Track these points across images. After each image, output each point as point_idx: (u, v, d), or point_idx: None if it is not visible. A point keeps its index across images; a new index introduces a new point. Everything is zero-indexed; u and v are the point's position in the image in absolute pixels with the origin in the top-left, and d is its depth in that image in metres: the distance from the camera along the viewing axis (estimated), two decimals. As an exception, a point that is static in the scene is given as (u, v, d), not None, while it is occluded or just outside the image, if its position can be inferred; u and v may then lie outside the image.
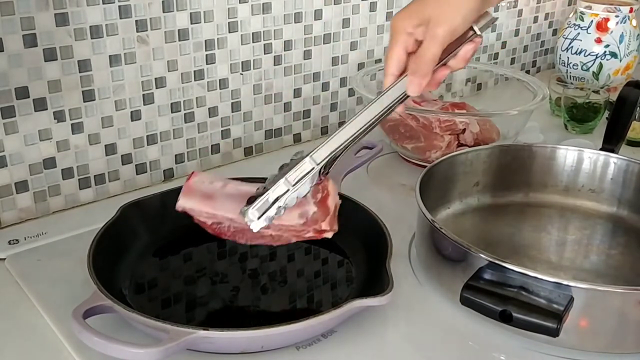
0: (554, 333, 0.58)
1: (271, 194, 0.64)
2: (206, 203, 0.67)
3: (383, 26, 1.15)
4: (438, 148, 0.97)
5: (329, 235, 0.67)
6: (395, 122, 1.01)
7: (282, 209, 0.64)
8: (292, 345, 0.63)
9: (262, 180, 0.84)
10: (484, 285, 0.62)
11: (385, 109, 0.66)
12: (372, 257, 0.72)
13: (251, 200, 0.65)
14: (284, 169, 0.66)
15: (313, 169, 0.65)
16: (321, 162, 0.65)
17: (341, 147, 0.65)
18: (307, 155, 0.65)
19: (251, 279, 0.73)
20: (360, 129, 0.65)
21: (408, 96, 0.66)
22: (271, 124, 1.07)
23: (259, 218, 0.64)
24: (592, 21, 1.27)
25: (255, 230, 0.65)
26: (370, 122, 0.66)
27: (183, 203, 0.68)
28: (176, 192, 0.81)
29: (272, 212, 0.64)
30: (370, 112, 0.66)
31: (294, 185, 0.64)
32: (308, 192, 0.65)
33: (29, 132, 0.83)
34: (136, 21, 0.87)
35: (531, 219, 0.86)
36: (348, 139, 0.65)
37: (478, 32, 0.65)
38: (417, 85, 0.64)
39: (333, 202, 0.68)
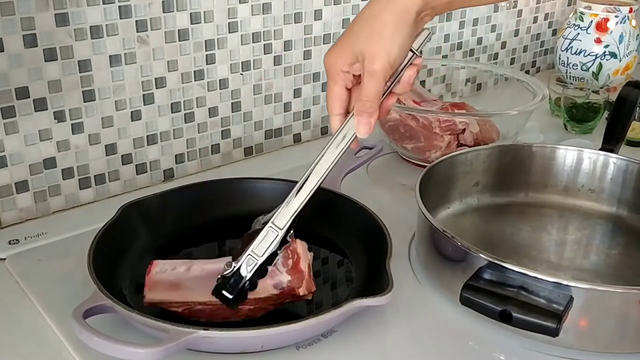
0: (554, 333, 0.58)
1: (242, 270, 0.62)
2: (174, 292, 0.65)
3: (383, 26, 1.15)
4: (438, 148, 0.97)
5: (310, 296, 0.66)
6: (395, 122, 1.01)
7: (255, 283, 0.63)
8: (292, 345, 0.63)
9: (257, 179, 0.84)
10: (483, 285, 0.62)
11: (339, 155, 0.63)
12: (372, 257, 0.72)
13: (220, 279, 0.63)
14: (246, 240, 0.63)
15: (277, 235, 0.63)
16: (284, 226, 0.63)
17: (301, 205, 0.63)
18: (268, 222, 0.63)
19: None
20: (317, 182, 0.63)
21: (355, 138, 0.63)
22: (271, 124, 1.07)
23: (233, 297, 0.62)
24: (591, 21, 1.27)
25: (233, 308, 0.63)
26: (326, 172, 0.63)
27: (151, 297, 0.65)
28: (176, 192, 0.82)
29: (245, 287, 0.62)
30: (326, 161, 0.63)
31: (261, 256, 0.62)
32: (278, 258, 0.64)
33: (29, 132, 0.83)
34: (136, 21, 0.87)
35: (531, 219, 0.86)
36: (307, 196, 0.63)
37: (417, 53, 0.62)
38: (365, 125, 0.61)
39: (305, 263, 0.67)
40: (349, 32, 0.62)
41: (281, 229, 0.63)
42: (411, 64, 0.63)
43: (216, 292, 0.62)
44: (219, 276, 0.63)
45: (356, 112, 0.62)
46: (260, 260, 0.62)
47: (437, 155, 0.96)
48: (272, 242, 0.63)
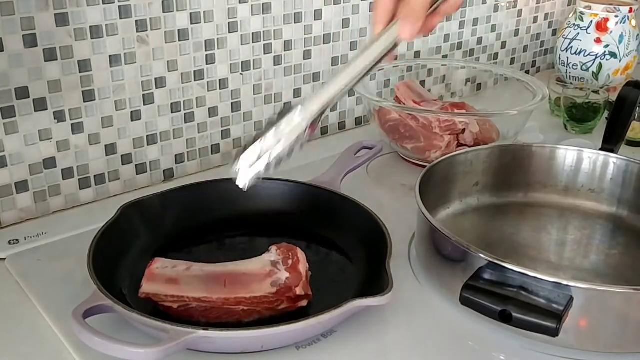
0: (554, 333, 0.58)
1: (261, 145, 0.60)
2: (171, 286, 0.65)
3: (383, 26, 1.15)
4: (438, 148, 0.97)
5: (304, 302, 0.66)
6: (395, 122, 1.01)
7: (272, 164, 0.60)
8: (292, 345, 0.63)
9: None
10: (483, 285, 0.62)
11: (377, 58, 0.61)
12: (372, 257, 0.72)
13: (241, 151, 0.61)
14: (273, 121, 0.61)
15: (303, 120, 0.60)
16: (312, 114, 0.60)
17: (333, 99, 0.61)
18: (297, 106, 0.60)
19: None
20: (353, 79, 0.61)
21: (397, 45, 0.61)
22: (271, 124, 1.07)
23: (249, 168, 0.60)
24: (591, 21, 1.27)
25: (241, 186, 0.60)
26: (362, 72, 0.61)
27: (146, 288, 0.65)
28: (176, 192, 0.82)
29: (262, 163, 0.60)
30: (363, 60, 0.61)
31: (284, 137, 0.60)
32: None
33: (29, 132, 0.83)
34: (136, 21, 0.87)
35: (531, 219, 0.86)
36: (340, 90, 0.61)
37: None
38: (410, 29, 0.59)
39: (304, 268, 0.67)
40: None
41: (308, 116, 0.60)
42: None
43: (233, 163, 0.61)
44: (241, 147, 0.61)
45: (402, 16, 0.60)
46: (283, 141, 0.60)
47: (437, 155, 0.96)
48: (295, 127, 0.60)
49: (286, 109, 0.61)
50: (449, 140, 0.98)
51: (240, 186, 0.61)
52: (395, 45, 0.61)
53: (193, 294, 0.64)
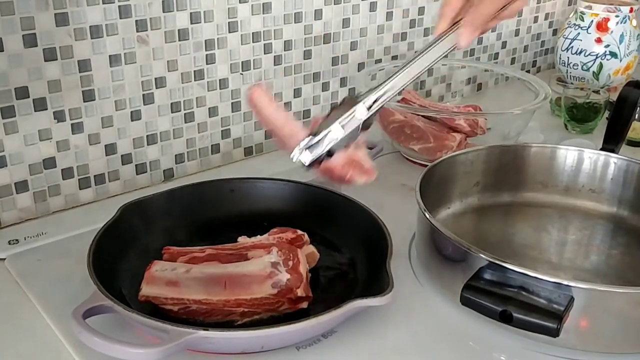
0: (554, 333, 0.58)
1: (325, 137, 0.64)
2: (171, 289, 0.65)
3: (383, 26, 1.15)
4: (449, 148, 0.96)
5: (305, 304, 0.66)
6: (400, 123, 1.00)
7: (333, 153, 0.65)
8: (292, 345, 0.63)
9: (257, 179, 0.84)
10: (484, 285, 0.62)
11: (434, 62, 0.67)
12: (372, 257, 0.72)
13: (303, 143, 0.65)
14: (333, 113, 0.66)
15: (363, 114, 0.65)
16: (371, 110, 0.65)
17: (390, 95, 0.66)
18: (359, 102, 0.65)
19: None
20: (410, 79, 0.66)
21: (453, 49, 0.67)
22: (271, 124, 1.07)
23: (310, 157, 0.65)
24: (592, 21, 1.27)
25: (306, 164, 0.65)
26: (419, 73, 0.67)
27: (146, 291, 0.65)
28: (176, 192, 0.82)
29: (322, 156, 0.65)
30: (422, 62, 0.67)
31: (346, 128, 0.65)
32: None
33: (29, 132, 0.83)
34: (136, 21, 0.87)
35: (531, 219, 0.86)
36: (399, 89, 0.66)
37: None
38: (469, 37, 0.65)
39: (304, 269, 0.67)
40: None
41: (368, 111, 0.65)
42: None
43: (296, 150, 0.65)
44: (304, 138, 0.65)
45: (466, 22, 0.65)
46: (344, 133, 0.64)
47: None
48: (358, 119, 0.65)
49: (347, 102, 0.66)
50: (460, 139, 0.97)
51: (306, 165, 0.65)
52: (452, 49, 0.67)
53: (193, 296, 0.64)
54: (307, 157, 0.64)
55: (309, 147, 0.64)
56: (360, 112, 0.65)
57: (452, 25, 0.66)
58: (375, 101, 0.65)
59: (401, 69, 0.66)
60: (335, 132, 0.64)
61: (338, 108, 0.66)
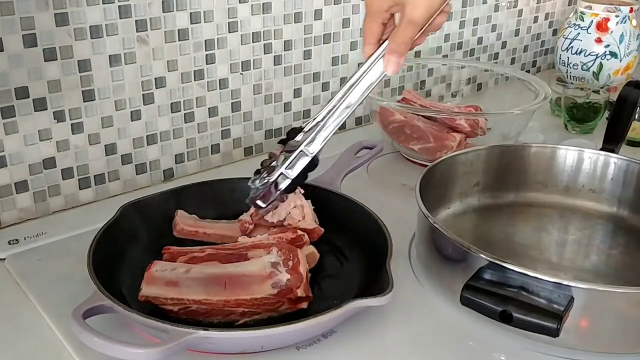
0: (554, 333, 0.58)
1: (271, 180, 0.70)
2: (170, 289, 0.65)
3: (383, 26, 1.15)
4: (449, 148, 0.96)
5: (305, 304, 0.66)
6: (400, 123, 1.00)
7: (285, 197, 0.72)
8: (292, 345, 0.63)
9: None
10: (484, 285, 0.62)
11: (367, 92, 0.70)
12: (372, 257, 0.71)
13: (253, 190, 0.72)
14: (277, 156, 0.72)
15: (308, 157, 0.71)
16: (314, 152, 0.71)
17: (331, 134, 0.71)
18: (300, 146, 0.70)
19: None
20: (346, 114, 0.70)
21: (384, 76, 0.69)
22: (271, 124, 1.07)
23: (266, 205, 0.71)
24: (592, 21, 1.27)
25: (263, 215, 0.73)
26: (353, 105, 0.70)
27: (146, 291, 0.65)
28: (176, 192, 0.82)
29: (276, 199, 0.71)
30: (354, 95, 0.70)
31: (292, 174, 0.71)
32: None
33: (29, 132, 0.83)
34: (136, 21, 0.87)
35: (531, 219, 0.86)
36: (336, 126, 0.70)
37: (449, 1, 0.67)
38: (395, 64, 0.67)
39: (304, 269, 0.67)
40: None
41: (311, 153, 0.71)
42: (443, 11, 0.67)
43: (251, 201, 0.72)
44: (252, 185, 0.72)
45: (388, 51, 0.67)
46: (291, 177, 0.71)
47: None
48: (302, 164, 0.71)
49: (292, 152, 0.71)
50: (460, 139, 0.97)
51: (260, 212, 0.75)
52: (383, 76, 0.70)
53: (193, 296, 0.64)
54: (262, 204, 0.72)
55: (262, 195, 0.71)
56: (304, 157, 0.71)
57: (379, 46, 0.69)
58: (319, 145, 0.71)
59: (333, 108, 0.70)
60: (282, 178, 0.71)
61: (284, 145, 0.72)
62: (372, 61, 0.69)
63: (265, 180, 0.70)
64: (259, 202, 0.71)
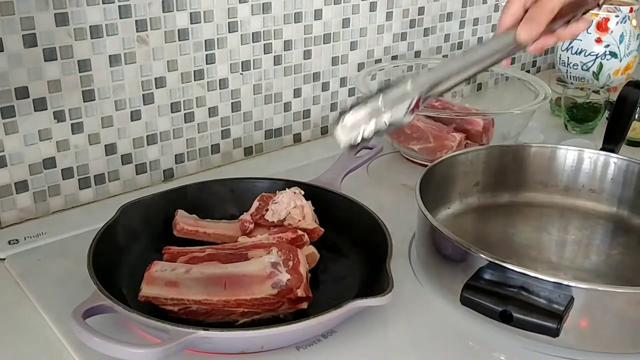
0: (554, 333, 0.58)
1: (367, 109, 0.59)
2: (170, 289, 0.65)
3: (383, 26, 1.15)
4: (449, 148, 0.96)
5: (305, 305, 0.65)
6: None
7: (372, 131, 0.59)
8: (292, 345, 0.63)
9: (257, 179, 0.84)
10: (484, 285, 0.62)
11: (492, 53, 0.63)
12: (372, 257, 0.71)
13: (342, 112, 0.60)
14: (382, 87, 0.61)
15: (413, 90, 0.60)
16: (422, 87, 0.60)
17: (443, 79, 0.61)
18: (409, 78, 0.60)
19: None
20: (465, 66, 0.62)
21: (515, 48, 0.63)
22: (271, 124, 1.07)
23: (351, 130, 0.59)
24: (592, 21, 1.27)
25: (342, 146, 0.60)
26: (475, 62, 0.63)
27: (146, 292, 0.65)
28: (176, 192, 0.82)
29: (369, 127, 0.59)
30: (478, 52, 0.63)
31: (391, 104, 0.59)
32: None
33: (29, 132, 0.83)
34: (136, 21, 0.87)
35: (531, 219, 0.86)
36: (450, 73, 0.62)
37: (600, 2, 0.64)
38: (529, 31, 0.62)
39: (304, 269, 0.67)
40: None
41: (417, 88, 0.60)
42: (583, 18, 0.64)
43: (336, 120, 0.60)
44: (345, 108, 0.60)
45: (527, 18, 0.62)
46: (387, 109, 0.59)
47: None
48: (402, 98, 0.60)
49: (396, 80, 0.61)
50: (460, 139, 0.97)
51: (341, 146, 0.60)
52: (512, 48, 0.63)
53: (193, 296, 0.64)
54: (347, 123, 0.59)
55: (349, 116, 0.59)
56: (407, 87, 0.59)
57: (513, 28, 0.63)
58: (428, 80, 0.60)
59: (456, 56, 0.63)
60: (377, 105, 0.59)
61: (384, 85, 0.61)
62: (503, 35, 0.63)
63: (358, 104, 0.59)
64: (347, 113, 0.59)
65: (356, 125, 0.60)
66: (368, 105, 0.60)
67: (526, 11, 0.64)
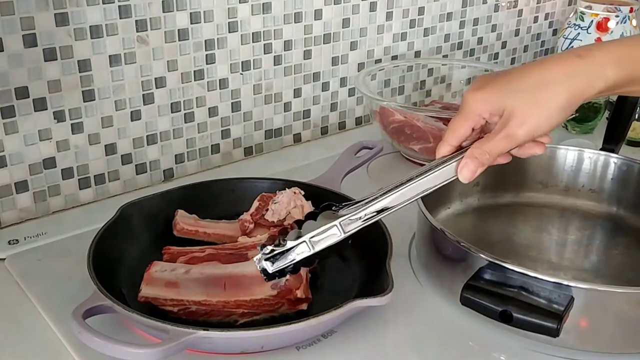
0: (554, 333, 0.58)
1: (292, 253, 0.59)
2: (170, 290, 0.65)
3: (383, 26, 1.15)
4: None
5: (304, 306, 0.65)
6: (400, 123, 1.00)
7: (298, 268, 0.59)
8: (292, 345, 0.63)
9: (257, 179, 0.84)
10: (484, 285, 0.62)
11: (429, 190, 0.61)
12: (372, 257, 0.71)
13: (268, 251, 0.59)
14: (308, 226, 0.60)
15: (339, 236, 0.59)
16: (348, 233, 0.60)
17: (370, 221, 0.60)
18: (337, 220, 0.59)
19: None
20: (398, 205, 0.61)
21: (454, 178, 0.61)
22: (271, 124, 1.07)
23: (272, 273, 0.59)
24: (592, 21, 1.27)
25: (267, 281, 0.60)
26: (410, 199, 0.61)
27: (145, 292, 0.65)
28: (176, 192, 0.82)
29: (287, 269, 0.59)
30: (417, 187, 0.61)
31: (316, 247, 0.59)
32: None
33: (29, 132, 0.83)
34: (136, 21, 0.87)
35: (531, 219, 0.86)
36: (380, 213, 0.60)
37: (551, 135, 0.61)
38: (471, 172, 0.60)
39: (304, 270, 0.66)
40: (506, 80, 0.59)
41: (345, 233, 0.59)
42: (539, 141, 0.61)
43: (257, 259, 0.59)
44: (267, 246, 0.59)
45: (468, 155, 0.60)
46: (313, 251, 0.59)
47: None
48: (331, 240, 0.59)
49: (326, 215, 0.60)
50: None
51: (264, 279, 0.60)
52: (451, 179, 0.61)
53: (193, 297, 0.64)
54: (268, 267, 0.59)
55: (271, 258, 0.59)
56: (335, 233, 0.59)
57: (456, 151, 0.62)
58: (356, 226, 0.60)
59: (393, 190, 0.60)
60: (302, 248, 0.59)
61: (313, 220, 0.60)
62: (441, 163, 0.62)
63: (282, 245, 0.59)
64: (266, 266, 0.59)
65: (280, 264, 0.59)
66: (294, 249, 0.59)
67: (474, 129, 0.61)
